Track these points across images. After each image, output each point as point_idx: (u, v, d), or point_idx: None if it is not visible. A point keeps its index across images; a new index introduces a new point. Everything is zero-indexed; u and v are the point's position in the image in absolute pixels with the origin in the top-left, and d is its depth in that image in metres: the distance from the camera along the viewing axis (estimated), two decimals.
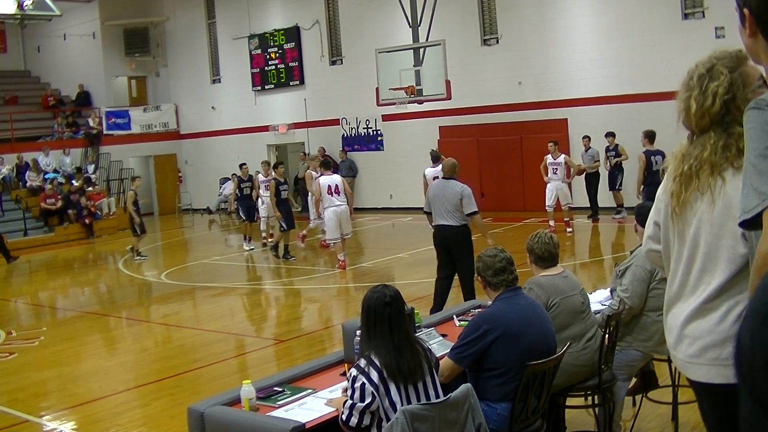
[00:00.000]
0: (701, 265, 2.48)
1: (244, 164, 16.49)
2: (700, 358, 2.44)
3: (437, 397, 3.60)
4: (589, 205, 16.30)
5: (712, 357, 2.40)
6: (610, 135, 16.04)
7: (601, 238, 15.25)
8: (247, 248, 15.87)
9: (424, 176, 14.23)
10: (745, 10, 2.01)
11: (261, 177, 15.81)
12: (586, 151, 15.97)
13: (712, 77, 2.42)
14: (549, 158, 14.78)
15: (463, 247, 8.39)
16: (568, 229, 14.83)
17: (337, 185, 12.73)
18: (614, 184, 16.33)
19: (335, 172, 13.84)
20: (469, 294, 8.22)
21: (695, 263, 2.50)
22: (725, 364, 2.37)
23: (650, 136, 12.77)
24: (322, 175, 13.08)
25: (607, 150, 16.16)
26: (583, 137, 16.11)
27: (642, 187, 12.47)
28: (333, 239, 12.86)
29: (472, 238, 8.56)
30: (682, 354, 2.51)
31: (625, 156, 15.74)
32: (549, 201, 14.79)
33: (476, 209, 8.44)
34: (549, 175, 14.80)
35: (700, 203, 2.46)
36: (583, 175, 16.09)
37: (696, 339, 2.46)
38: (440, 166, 13.65)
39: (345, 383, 4.03)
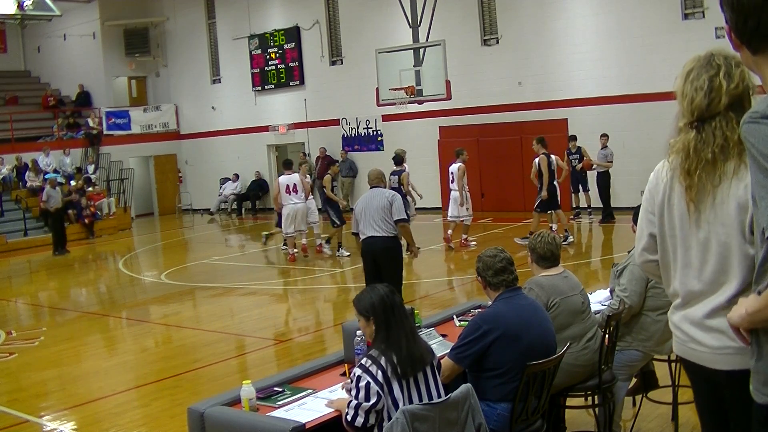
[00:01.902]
0: (718, 266, 2.49)
1: (305, 161, 15.49)
2: (729, 348, 2.47)
3: (438, 395, 3.61)
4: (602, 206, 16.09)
5: (741, 345, 2.37)
6: (573, 138, 16.13)
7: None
8: (346, 254, 13.99)
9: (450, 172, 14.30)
10: (726, 26, 2.05)
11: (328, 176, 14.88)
12: (602, 149, 15.79)
13: (737, 63, 2.45)
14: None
15: (392, 260, 7.79)
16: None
17: (295, 184, 13.74)
18: (585, 186, 16.45)
19: (291, 172, 14.28)
20: None
21: (708, 265, 2.51)
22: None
23: (542, 141, 13.62)
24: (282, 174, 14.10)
25: (569, 153, 16.09)
26: (601, 135, 15.87)
27: (542, 186, 13.39)
28: (289, 234, 13.88)
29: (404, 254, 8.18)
30: (709, 347, 2.54)
31: (588, 158, 15.94)
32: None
33: (405, 217, 7.91)
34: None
35: (710, 199, 2.45)
36: (595, 174, 15.98)
37: (723, 332, 2.46)
38: (458, 163, 13.84)
39: (342, 384, 4.03)
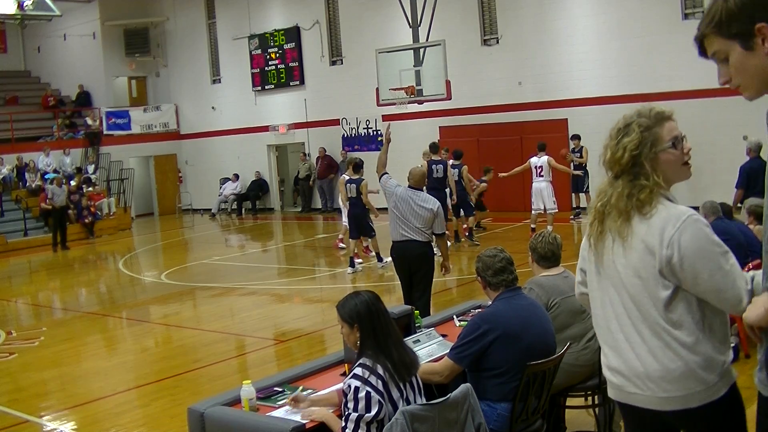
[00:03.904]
0: (624, 311, 2.70)
1: (358, 161, 13.80)
2: (680, 387, 2.68)
3: (422, 396, 3.59)
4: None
5: (690, 385, 2.66)
6: (575, 138, 16.18)
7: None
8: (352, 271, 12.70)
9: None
10: (762, 25, 2.01)
11: (346, 177, 13.36)
12: None
13: (627, 133, 2.69)
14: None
15: (426, 266, 7.51)
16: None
17: None
18: (582, 187, 16.45)
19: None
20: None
21: (614, 309, 2.74)
22: None
23: (432, 147, 13.94)
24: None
25: (572, 152, 16.27)
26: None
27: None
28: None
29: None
30: (652, 391, 2.66)
31: (586, 159, 16.12)
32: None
33: (446, 231, 7.72)
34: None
35: (615, 248, 2.69)
36: None
37: (671, 377, 2.68)
38: (545, 157, 14.16)
39: (338, 386, 3.96)
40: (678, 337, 2.57)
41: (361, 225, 12.53)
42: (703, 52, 2.17)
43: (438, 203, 7.59)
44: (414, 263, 7.49)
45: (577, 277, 3.00)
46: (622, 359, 2.72)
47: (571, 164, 16.48)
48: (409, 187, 7.61)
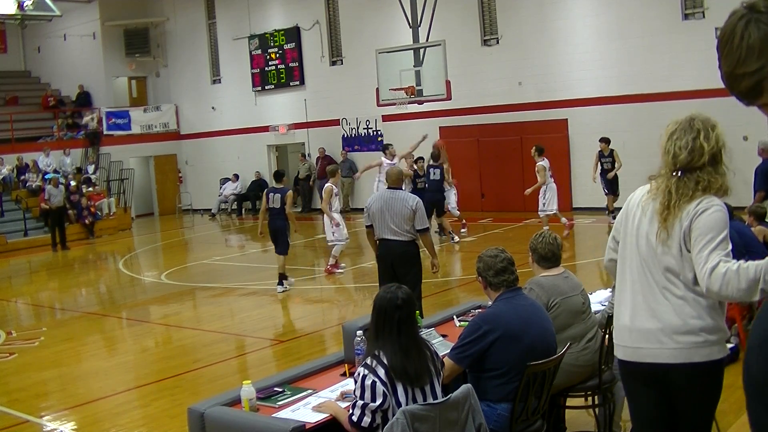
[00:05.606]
0: (662, 277, 3.15)
1: (280, 170, 13.11)
2: (689, 343, 3.13)
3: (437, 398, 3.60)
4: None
5: (697, 340, 3.12)
6: (604, 141, 15.32)
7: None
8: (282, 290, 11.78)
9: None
10: None
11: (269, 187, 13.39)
12: None
13: (714, 126, 3.01)
14: None
15: (412, 265, 7.54)
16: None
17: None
18: (614, 189, 15.70)
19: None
20: None
21: (656, 275, 3.13)
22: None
23: (432, 154, 14.80)
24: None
25: (602, 156, 15.27)
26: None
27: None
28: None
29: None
30: (663, 344, 3.09)
31: (620, 163, 15.05)
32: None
33: (428, 226, 7.73)
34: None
35: (652, 224, 3.09)
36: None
37: (684, 331, 3.12)
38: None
39: (337, 386, 3.99)
40: (700, 300, 3.01)
41: (278, 240, 11.56)
42: (756, 96, 1.54)
43: (417, 200, 7.57)
44: (396, 261, 7.55)
45: (609, 243, 3.38)
46: (648, 314, 3.09)
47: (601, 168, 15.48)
48: (388, 188, 7.72)
